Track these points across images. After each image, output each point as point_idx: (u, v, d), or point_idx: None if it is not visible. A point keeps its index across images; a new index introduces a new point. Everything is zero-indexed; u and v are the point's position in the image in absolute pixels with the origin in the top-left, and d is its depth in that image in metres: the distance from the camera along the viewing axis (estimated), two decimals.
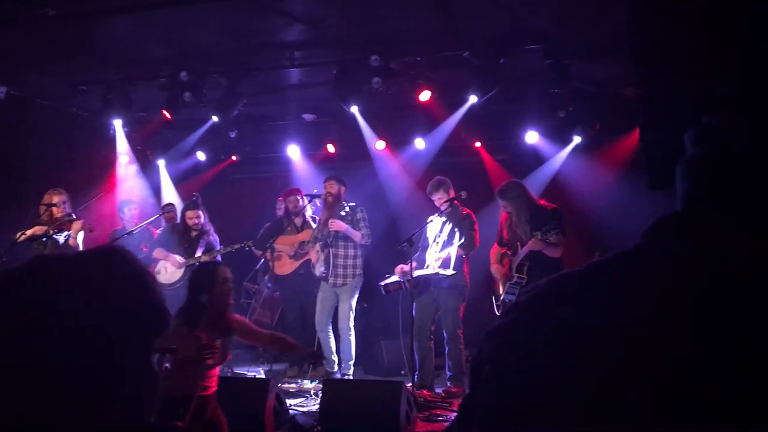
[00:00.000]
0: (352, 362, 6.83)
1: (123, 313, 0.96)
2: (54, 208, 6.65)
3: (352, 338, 6.79)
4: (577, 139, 8.02)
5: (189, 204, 7.30)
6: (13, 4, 5.47)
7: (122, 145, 8.59)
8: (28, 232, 6.55)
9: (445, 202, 6.21)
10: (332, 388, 4.98)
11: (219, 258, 6.96)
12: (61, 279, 0.96)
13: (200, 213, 7.11)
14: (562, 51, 6.36)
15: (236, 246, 7.01)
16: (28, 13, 5.62)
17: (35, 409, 0.88)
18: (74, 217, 6.72)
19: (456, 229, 6.16)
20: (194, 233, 7.11)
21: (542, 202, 6.05)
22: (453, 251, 6.10)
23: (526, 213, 5.74)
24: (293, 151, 9.41)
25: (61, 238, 6.58)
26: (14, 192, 7.58)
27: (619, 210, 7.19)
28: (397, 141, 8.75)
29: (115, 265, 1.00)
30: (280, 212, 8.00)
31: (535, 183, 8.45)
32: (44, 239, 6.46)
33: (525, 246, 5.63)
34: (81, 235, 6.62)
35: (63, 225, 6.59)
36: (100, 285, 0.96)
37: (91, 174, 8.45)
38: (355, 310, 6.91)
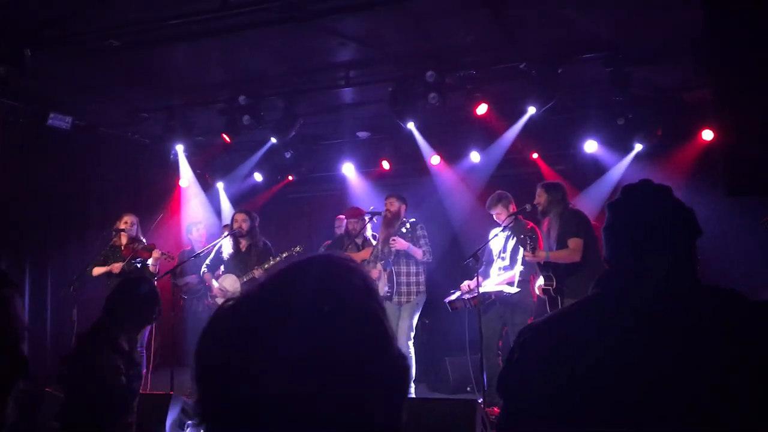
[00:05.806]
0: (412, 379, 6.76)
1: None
2: (123, 233, 6.76)
3: (412, 355, 6.72)
4: (638, 147, 7.81)
5: (239, 209, 7.23)
6: (79, 37, 5.62)
7: (184, 169, 8.73)
8: (101, 270, 6.68)
9: (508, 217, 6.11)
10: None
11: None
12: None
13: (247, 217, 6.89)
14: (622, 58, 6.22)
15: (284, 254, 6.86)
16: (92, 44, 5.77)
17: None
18: (145, 242, 6.82)
19: (520, 246, 6.04)
20: (244, 248, 6.96)
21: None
22: (517, 271, 6.01)
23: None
24: (348, 169, 9.44)
25: (138, 265, 6.70)
26: (79, 219, 7.78)
27: None
28: (454, 155, 8.67)
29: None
30: (340, 231, 7.98)
31: (597, 193, 8.26)
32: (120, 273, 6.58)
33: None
34: (158, 263, 6.73)
35: (139, 253, 6.69)
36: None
37: (155, 198, 8.64)
38: (416, 326, 6.82)
